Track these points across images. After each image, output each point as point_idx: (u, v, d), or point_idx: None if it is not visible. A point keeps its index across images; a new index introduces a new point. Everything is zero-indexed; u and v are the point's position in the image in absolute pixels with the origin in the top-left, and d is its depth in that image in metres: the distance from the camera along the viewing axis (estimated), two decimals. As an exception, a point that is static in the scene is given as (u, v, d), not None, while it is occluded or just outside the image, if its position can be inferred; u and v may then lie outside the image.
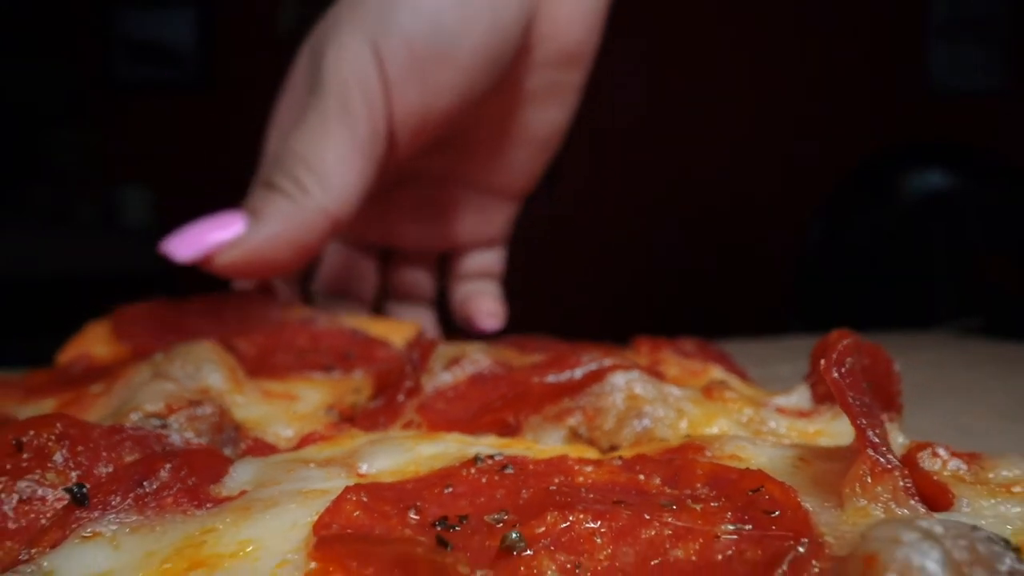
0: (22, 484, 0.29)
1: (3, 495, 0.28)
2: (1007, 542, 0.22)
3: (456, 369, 0.51)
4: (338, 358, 0.53)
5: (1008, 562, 0.20)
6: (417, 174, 0.73)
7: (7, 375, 0.50)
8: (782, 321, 3.06)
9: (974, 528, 0.22)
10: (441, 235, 0.77)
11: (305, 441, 0.37)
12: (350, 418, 0.45)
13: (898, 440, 0.38)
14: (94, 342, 0.56)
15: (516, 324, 0.76)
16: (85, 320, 0.61)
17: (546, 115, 0.73)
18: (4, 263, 3.14)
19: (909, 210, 3.32)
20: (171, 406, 0.36)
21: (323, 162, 0.57)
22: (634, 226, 3.83)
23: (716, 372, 0.54)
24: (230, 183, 3.75)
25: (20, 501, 0.28)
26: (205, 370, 0.44)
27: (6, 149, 3.76)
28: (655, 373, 0.48)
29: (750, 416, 0.42)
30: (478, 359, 0.52)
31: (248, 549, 0.26)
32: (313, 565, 0.25)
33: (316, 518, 0.27)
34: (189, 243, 0.56)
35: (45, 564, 0.26)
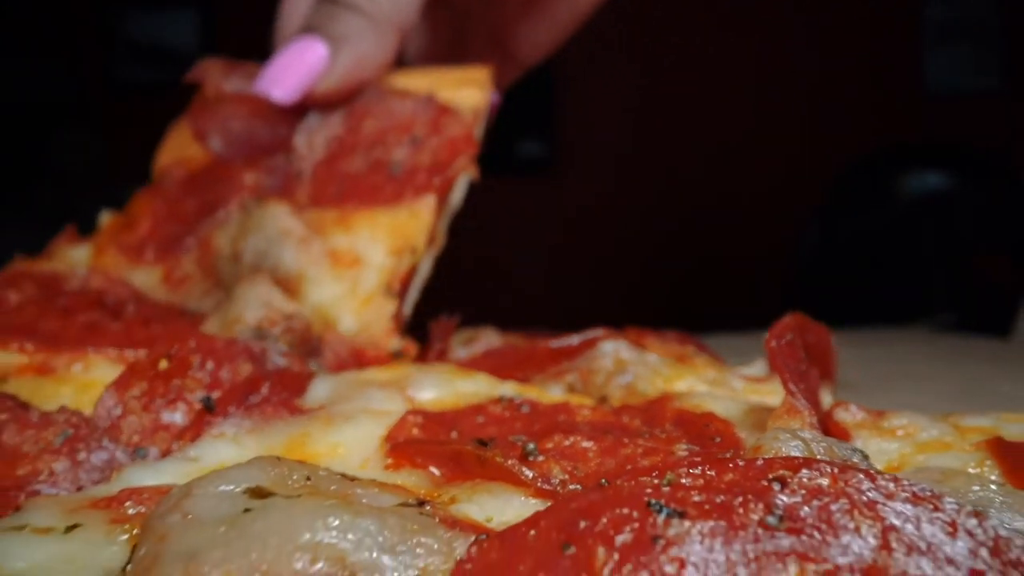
0: (170, 387, 0.39)
1: (159, 399, 0.39)
2: (861, 451, 0.32)
3: (472, 346, 0.62)
4: (406, 142, 0.58)
5: (855, 459, 0.31)
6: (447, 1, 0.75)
7: (114, 216, 0.61)
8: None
9: (841, 441, 0.33)
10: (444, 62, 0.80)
11: (366, 361, 0.48)
12: (406, 284, 0.55)
13: (827, 400, 0.49)
14: (177, 147, 0.64)
15: (522, 319, 0.86)
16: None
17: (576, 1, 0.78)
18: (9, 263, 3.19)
19: (905, 209, 3.41)
20: (270, 318, 0.46)
21: None
22: (634, 227, 3.93)
23: (691, 351, 0.65)
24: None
25: (167, 402, 0.39)
26: (276, 248, 0.54)
27: (10, 150, 3.81)
28: (639, 346, 0.59)
29: (714, 377, 0.53)
30: (491, 339, 0.63)
31: (339, 450, 0.37)
32: (389, 461, 0.35)
33: (385, 431, 0.38)
34: (283, 81, 0.58)
35: (191, 454, 0.36)
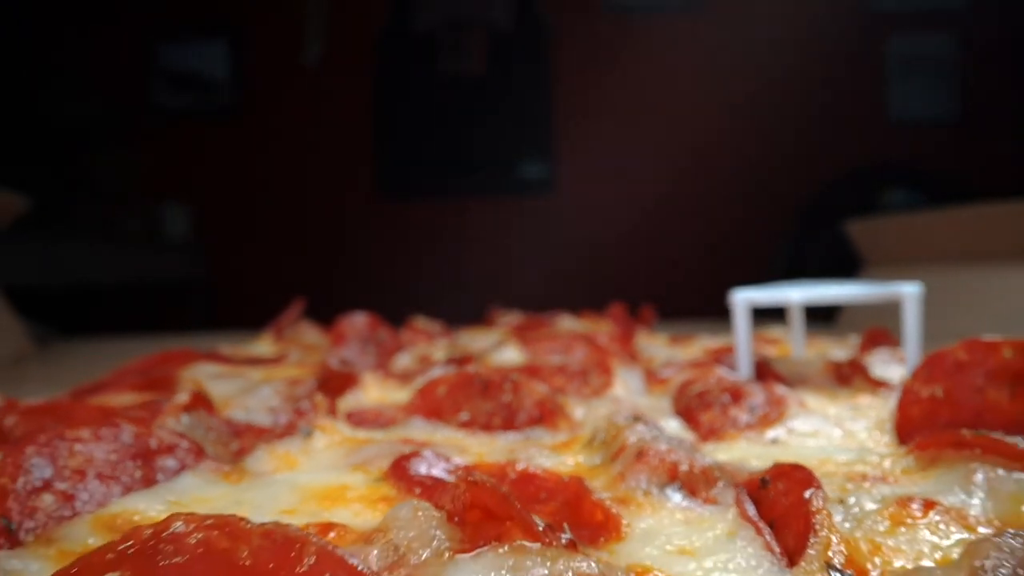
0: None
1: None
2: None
3: (507, 319, 1.56)
4: None
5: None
6: None
7: None
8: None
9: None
10: None
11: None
12: None
13: (642, 334, 1.42)
14: None
15: (539, 305, 1.79)
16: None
17: None
18: (61, 272, 3.60)
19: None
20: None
21: None
22: (627, 241, 4.58)
23: (605, 324, 1.58)
24: (261, 199, 4.90)
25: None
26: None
27: (61, 171, 4.35)
28: (582, 317, 1.52)
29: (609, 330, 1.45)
30: (515, 316, 1.57)
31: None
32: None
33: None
34: None
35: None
